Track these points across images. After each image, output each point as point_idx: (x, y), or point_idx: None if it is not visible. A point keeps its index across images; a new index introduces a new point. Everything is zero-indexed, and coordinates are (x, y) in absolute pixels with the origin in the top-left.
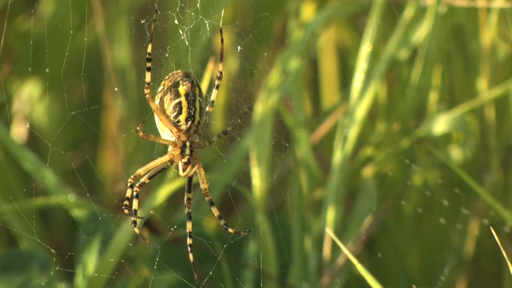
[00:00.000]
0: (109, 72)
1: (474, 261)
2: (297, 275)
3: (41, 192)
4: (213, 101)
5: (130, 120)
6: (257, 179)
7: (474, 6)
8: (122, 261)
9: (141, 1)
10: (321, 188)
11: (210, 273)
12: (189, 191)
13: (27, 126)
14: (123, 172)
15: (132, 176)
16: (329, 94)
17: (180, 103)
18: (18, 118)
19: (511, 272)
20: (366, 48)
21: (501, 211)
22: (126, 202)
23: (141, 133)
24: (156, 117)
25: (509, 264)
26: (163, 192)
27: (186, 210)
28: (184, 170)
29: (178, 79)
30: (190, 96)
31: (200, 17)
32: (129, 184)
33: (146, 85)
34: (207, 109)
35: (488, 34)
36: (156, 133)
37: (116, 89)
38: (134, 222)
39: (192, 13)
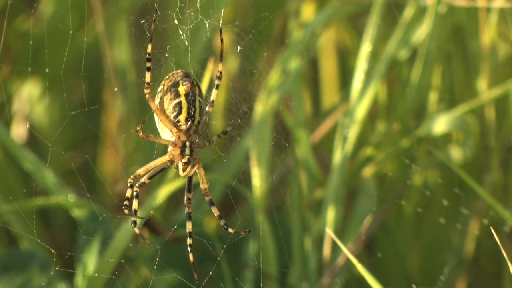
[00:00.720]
0: (109, 72)
1: (474, 261)
2: (297, 275)
3: (41, 192)
4: (213, 101)
5: (130, 120)
6: (257, 179)
7: (474, 6)
8: (122, 261)
9: (141, 1)
10: (321, 188)
11: (210, 273)
12: (189, 191)
13: (27, 126)
14: (123, 172)
15: (132, 176)
16: (329, 94)
17: (180, 103)
18: (18, 118)
19: (511, 272)
20: (366, 48)
21: (501, 211)
22: (126, 202)
23: (141, 133)
24: (156, 117)
25: (509, 264)
26: (163, 192)
27: (186, 210)
28: (184, 170)
29: (178, 79)
30: (190, 96)
31: (200, 17)
32: (129, 184)
33: (146, 85)
34: (207, 109)
35: (488, 34)
36: (156, 133)
37: (116, 89)
38: (134, 222)
39: (192, 13)
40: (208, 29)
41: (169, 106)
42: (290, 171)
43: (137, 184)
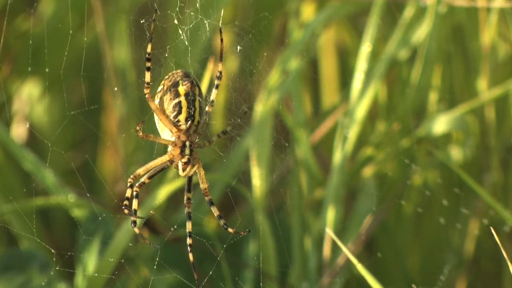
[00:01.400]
0: (109, 72)
1: (474, 261)
2: (297, 275)
3: (41, 192)
4: (212, 101)
5: (130, 120)
6: (257, 179)
7: (474, 6)
8: (122, 261)
9: (141, 1)
10: (321, 188)
11: (210, 273)
12: (189, 191)
13: (27, 126)
14: (123, 172)
15: (132, 176)
16: (329, 94)
17: (179, 103)
18: (18, 118)
19: (511, 272)
20: (366, 48)
21: (501, 211)
22: (126, 202)
23: (141, 133)
24: (156, 117)
25: (509, 264)
26: (163, 192)
27: (186, 210)
28: (184, 170)
29: (178, 79)
30: (190, 96)
31: (200, 17)
32: (129, 184)
33: (145, 85)
34: (207, 109)
35: (488, 34)
36: (156, 133)
37: (116, 89)
38: (134, 222)
39: (192, 13)
40: (208, 29)
41: (169, 106)
42: (290, 171)
43: (137, 184)
